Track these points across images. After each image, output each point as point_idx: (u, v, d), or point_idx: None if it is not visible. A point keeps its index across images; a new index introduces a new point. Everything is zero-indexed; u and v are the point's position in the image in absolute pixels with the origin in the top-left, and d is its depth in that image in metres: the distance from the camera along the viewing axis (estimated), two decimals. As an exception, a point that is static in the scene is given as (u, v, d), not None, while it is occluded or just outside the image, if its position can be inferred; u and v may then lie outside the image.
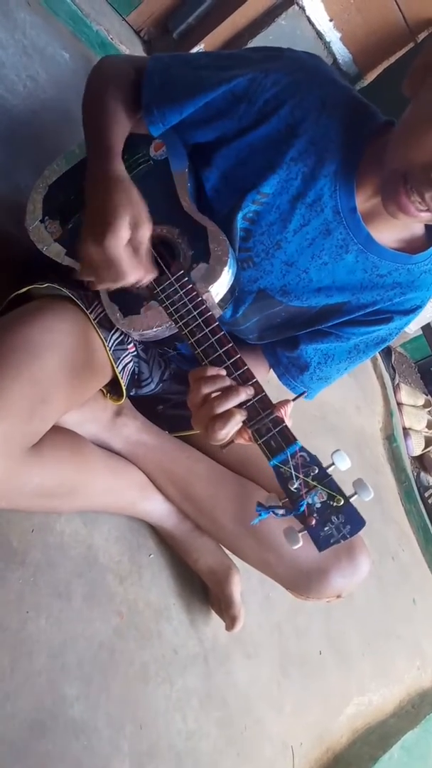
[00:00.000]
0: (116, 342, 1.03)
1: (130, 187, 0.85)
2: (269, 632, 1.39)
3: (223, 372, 0.77)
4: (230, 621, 1.17)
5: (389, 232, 0.95)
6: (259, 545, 1.09)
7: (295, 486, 0.67)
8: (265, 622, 1.39)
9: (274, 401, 0.76)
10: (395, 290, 1.00)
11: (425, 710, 1.77)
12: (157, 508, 1.17)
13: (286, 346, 1.10)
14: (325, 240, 0.95)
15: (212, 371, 0.76)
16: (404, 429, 2.90)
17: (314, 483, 0.67)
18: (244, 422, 0.73)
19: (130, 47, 1.84)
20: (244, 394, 0.74)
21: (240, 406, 0.74)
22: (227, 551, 1.20)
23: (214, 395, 0.74)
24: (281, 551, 1.06)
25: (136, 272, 0.84)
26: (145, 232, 0.84)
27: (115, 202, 0.82)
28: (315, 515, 0.65)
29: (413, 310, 1.06)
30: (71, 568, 1.03)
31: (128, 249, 0.82)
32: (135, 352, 1.10)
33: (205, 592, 1.24)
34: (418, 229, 0.99)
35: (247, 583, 1.25)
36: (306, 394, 0.88)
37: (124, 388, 1.04)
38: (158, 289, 0.87)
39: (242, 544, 1.12)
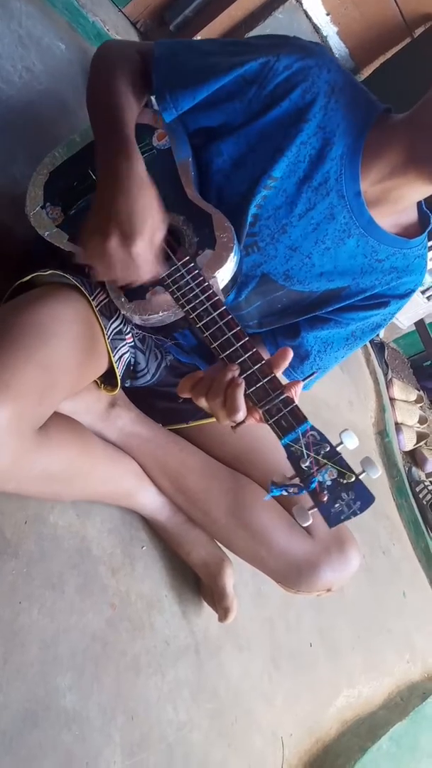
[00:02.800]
0: (114, 331, 1.04)
1: (152, 188, 0.86)
2: (261, 625, 1.40)
3: (200, 374, 0.78)
4: (223, 612, 1.18)
5: (389, 217, 0.97)
6: (250, 538, 1.09)
7: (306, 464, 0.68)
8: (257, 614, 1.40)
9: None
10: (392, 274, 1.02)
11: (414, 702, 1.79)
12: (150, 500, 1.17)
13: (287, 334, 1.11)
14: (329, 224, 0.96)
15: (191, 381, 0.78)
16: (396, 424, 2.91)
17: (325, 461, 0.67)
18: (254, 403, 0.74)
19: (127, 39, 1.83)
20: (231, 372, 0.75)
21: (233, 380, 0.75)
22: (220, 544, 1.21)
23: (209, 394, 0.76)
24: (272, 545, 1.07)
25: (152, 273, 0.85)
26: (161, 234, 0.85)
27: (143, 205, 0.83)
28: (326, 492, 0.66)
29: (407, 294, 1.08)
30: (64, 560, 1.03)
31: (149, 252, 0.84)
32: (132, 342, 1.10)
33: (198, 584, 1.25)
34: (412, 215, 1.01)
35: (239, 576, 1.26)
36: (314, 375, 0.90)
37: (119, 378, 1.04)
38: (164, 275, 0.87)
39: (234, 537, 1.13)
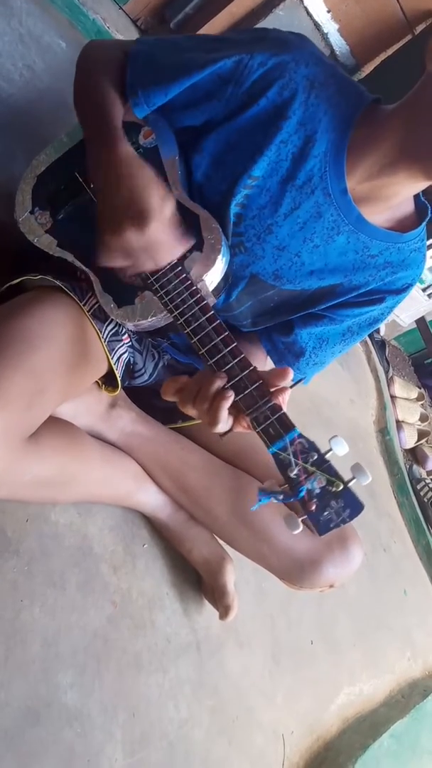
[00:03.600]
0: (111, 333, 1.03)
1: (144, 164, 0.83)
2: (262, 622, 1.40)
3: (184, 378, 0.78)
4: (224, 610, 1.18)
5: (380, 212, 0.95)
6: (252, 536, 1.09)
7: (295, 472, 0.68)
8: (258, 612, 1.40)
9: None
10: (386, 270, 1.00)
11: (415, 700, 1.79)
12: (151, 498, 1.17)
13: (282, 331, 1.10)
14: (316, 223, 0.94)
15: (175, 386, 0.77)
16: (397, 422, 2.91)
17: (313, 469, 0.67)
18: (242, 410, 0.73)
19: (127, 37, 1.83)
20: (218, 380, 0.74)
21: (223, 389, 0.74)
22: (221, 542, 1.21)
23: (195, 402, 0.75)
24: (275, 542, 1.07)
25: (181, 246, 0.83)
26: (172, 203, 0.82)
27: (142, 183, 0.80)
28: (315, 500, 0.66)
29: (404, 289, 1.05)
30: (66, 558, 1.03)
31: (167, 227, 0.82)
32: (129, 343, 1.10)
33: (199, 581, 1.25)
34: (407, 207, 0.99)
35: (240, 574, 1.26)
36: (303, 380, 0.88)
37: (119, 379, 1.04)
38: (152, 279, 0.86)
39: (236, 534, 1.13)
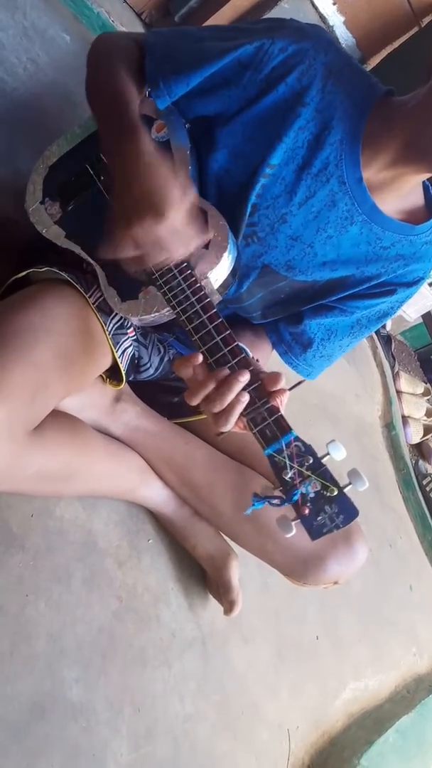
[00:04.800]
0: (116, 326, 1.03)
1: (163, 158, 0.81)
2: (267, 617, 1.40)
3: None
4: (228, 606, 1.18)
5: (393, 203, 0.95)
6: (257, 532, 1.09)
7: (289, 475, 0.67)
8: (263, 607, 1.40)
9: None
10: (398, 262, 1.00)
11: (420, 695, 1.79)
12: (156, 493, 1.17)
13: (290, 321, 1.10)
14: (330, 212, 0.94)
15: (188, 364, 0.76)
16: (403, 417, 2.90)
17: (308, 473, 0.67)
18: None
19: (131, 30, 1.82)
20: (239, 384, 0.73)
21: (239, 395, 0.73)
22: (225, 537, 1.21)
23: (212, 392, 0.74)
24: (279, 538, 1.06)
25: (197, 239, 0.82)
26: (193, 193, 0.80)
27: (163, 174, 0.78)
28: (309, 504, 0.66)
29: (416, 282, 1.05)
30: (71, 553, 1.03)
31: (186, 217, 0.79)
32: (134, 336, 1.10)
33: (204, 577, 1.25)
34: (419, 199, 0.99)
35: (245, 569, 1.26)
36: (305, 380, 0.88)
37: (123, 373, 1.04)
38: (157, 275, 0.86)
39: (241, 530, 1.13)
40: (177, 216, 0.77)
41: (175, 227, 0.78)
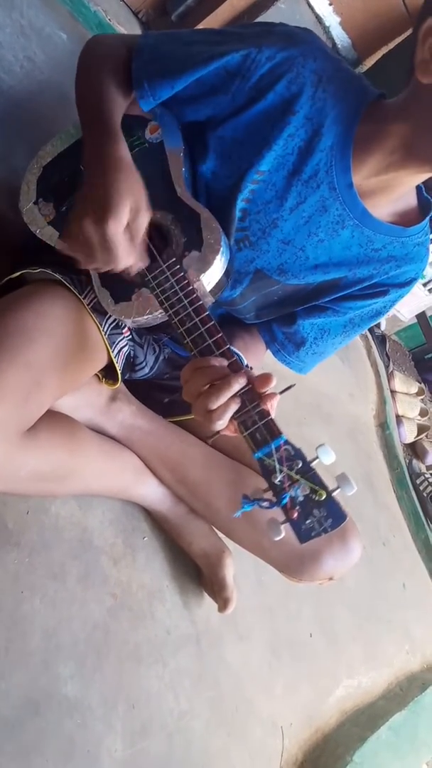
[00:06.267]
0: (111, 326, 1.03)
1: (133, 171, 0.84)
2: (261, 615, 1.41)
3: (215, 362, 0.77)
4: (223, 603, 1.18)
5: (385, 206, 0.95)
6: (252, 529, 1.10)
7: (279, 479, 0.68)
8: (257, 604, 1.41)
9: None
10: (390, 263, 1.01)
11: (413, 693, 1.80)
12: (151, 491, 1.18)
13: (283, 321, 1.11)
14: (321, 217, 0.95)
15: (203, 362, 0.77)
16: (397, 416, 2.92)
17: (297, 477, 0.67)
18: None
19: (128, 29, 1.82)
20: (237, 385, 0.74)
21: (233, 397, 0.74)
22: (221, 535, 1.21)
23: (208, 388, 0.75)
24: (273, 535, 1.07)
25: (129, 259, 0.83)
26: (144, 219, 0.83)
27: (119, 185, 0.80)
28: (297, 508, 0.66)
29: (408, 283, 1.06)
30: (66, 550, 1.04)
31: (126, 234, 0.81)
32: (130, 336, 1.10)
33: (198, 574, 1.25)
34: (410, 202, 0.99)
35: (239, 566, 1.26)
36: (295, 384, 0.89)
37: (119, 372, 1.04)
38: (149, 277, 0.86)
39: (236, 527, 1.13)
40: (116, 227, 0.79)
41: (112, 236, 0.79)
